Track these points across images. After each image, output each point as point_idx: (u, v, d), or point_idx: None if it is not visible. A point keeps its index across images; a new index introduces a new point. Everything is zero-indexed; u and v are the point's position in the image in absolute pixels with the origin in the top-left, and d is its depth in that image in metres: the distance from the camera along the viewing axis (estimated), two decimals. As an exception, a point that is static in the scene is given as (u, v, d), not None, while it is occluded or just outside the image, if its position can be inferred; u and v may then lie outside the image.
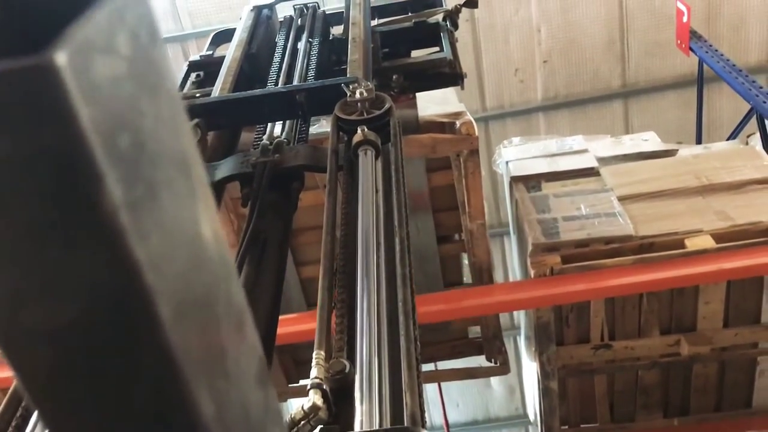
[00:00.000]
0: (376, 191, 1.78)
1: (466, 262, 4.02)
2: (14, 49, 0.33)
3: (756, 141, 4.85)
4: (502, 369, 4.12)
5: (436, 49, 3.21)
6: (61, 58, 0.32)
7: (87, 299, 0.36)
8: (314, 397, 1.21)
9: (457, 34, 3.56)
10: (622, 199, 3.77)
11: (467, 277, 4.07)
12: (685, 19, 5.40)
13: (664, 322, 3.74)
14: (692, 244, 3.40)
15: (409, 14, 3.59)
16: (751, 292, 3.65)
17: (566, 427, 4.13)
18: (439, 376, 4.78)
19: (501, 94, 7.55)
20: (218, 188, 2.19)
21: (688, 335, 3.72)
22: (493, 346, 4.06)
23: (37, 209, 0.34)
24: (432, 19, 3.42)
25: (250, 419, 0.49)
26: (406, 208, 1.75)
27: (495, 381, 9.02)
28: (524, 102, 7.58)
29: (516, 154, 4.39)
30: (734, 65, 4.98)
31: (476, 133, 3.26)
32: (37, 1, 0.35)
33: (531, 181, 4.06)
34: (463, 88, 3.12)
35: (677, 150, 4.20)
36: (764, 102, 4.49)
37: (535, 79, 7.50)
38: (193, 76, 3.23)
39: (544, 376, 3.79)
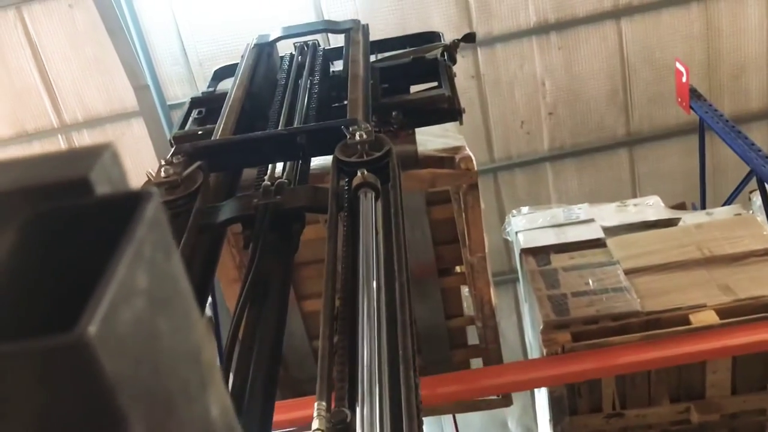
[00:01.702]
0: (376, 233, 1.80)
1: (466, 293, 4.07)
2: (48, 323, 0.36)
3: (757, 197, 5.00)
4: (505, 402, 4.14)
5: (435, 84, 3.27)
6: (91, 332, 0.35)
7: None
8: None
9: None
10: (628, 272, 3.92)
11: (469, 309, 4.13)
12: (684, 79, 5.59)
13: (674, 390, 3.87)
14: (697, 319, 3.55)
15: (408, 49, 3.64)
16: (756, 361, 3.78)
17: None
18: (440, 409, 4.73)
19: (508, 146, 7.74)
20: (220, 230, 2.22)
21: (697, 403, 3.85)
22: None
23: None
24: (430, 55, 3.48)
25: None
26: (406, 250, 1.78)
27: (512, 423, 9.09)
28: (531, 152, 7.76)
29: (525, 224, 4.56)
30: (734, 126, 5.15)
31: (475, 168, 3.25)
32: (68, 247, 0.39)
33: (540, 254, 4.22)
34: (461, 123, 3.14)
35: (680, 219, 4.36)
36: (763, 166, 4.65)
37: (542, 131, 7.69)
38: (194, 112, 3.25)
39: (559, 445, 3.92)
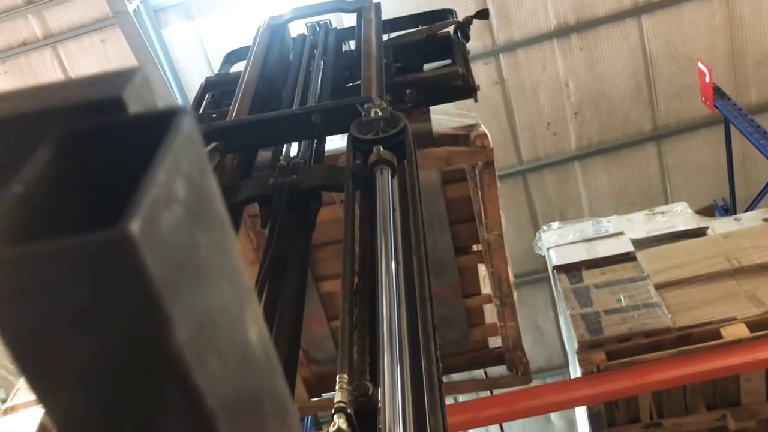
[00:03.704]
0: (393, 210, 1.78)
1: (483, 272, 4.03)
2: (92, 221, 0.36)
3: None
4: (524, 379, 4.14)
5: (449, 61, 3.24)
6: (134, 229, 0.35)
7: (160, 416, 0.40)
8: (339, 422, 1.22)
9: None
10: (658, 286, 4.04)
11: (486, 288, 4.10)
12: (707, 79, 5.64)
13: (709, 398, 3.99)
14: (727, 333, 3.66)
15: (420, 27, 3.61)
16: (789, 366, 3.88)
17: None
18: (459, 388, 4.84)
19: (536, 148, 7.85)
20: (237, 210, 2.20)
21: (733, 410, 3.97)
22: (514, 356, 4.08)
23: (117, 353, 0.38)
24: (443, 32, 3.45)
25: None
26: (423, 226, 1.77)
27: (555, 416, 9.22)
28: (559, 153, 7.85)
29: (555, 240, 4.70)
30: (759, 126, 5.20)
31: (491, 145, 3.21)
32: (102, 165, 0.38)
33: (572, 271, 4.36)
34: (476, 100, 3.11)
35: (707, 228, 4.45)
36: (790, 167, 4.70)
37: (568, 131, 7.77)
38: (208, 96, 3.24)
39: (601, 457, 4.07)
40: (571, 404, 3.99)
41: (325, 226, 2.46)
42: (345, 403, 1.25)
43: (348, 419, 1.22)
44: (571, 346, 4.04)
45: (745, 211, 5.29)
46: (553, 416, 9.22)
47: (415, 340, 1.38)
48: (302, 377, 4.18)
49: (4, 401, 4.33)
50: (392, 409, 1.20)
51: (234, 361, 0.44)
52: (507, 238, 3.54)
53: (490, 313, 4.12)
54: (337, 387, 1.29)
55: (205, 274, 0.42)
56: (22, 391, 4.25)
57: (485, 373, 4.21)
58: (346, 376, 1.33)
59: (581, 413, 4.31)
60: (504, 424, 9.38)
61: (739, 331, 3.67)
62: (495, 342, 4.22)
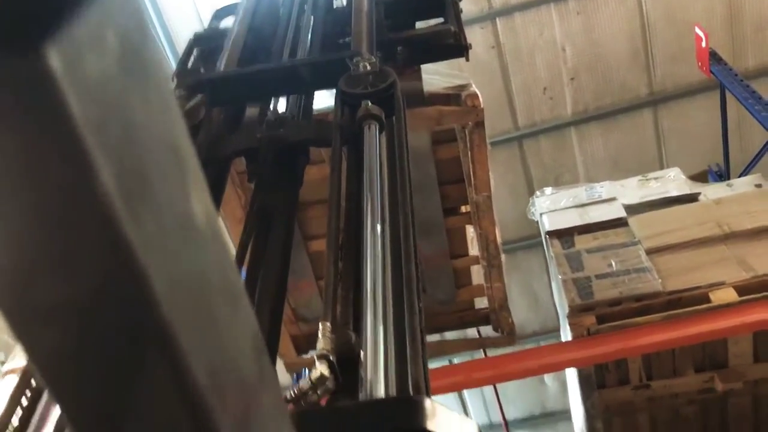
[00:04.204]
0: (381, 166, 1.78)
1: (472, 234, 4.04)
2: (6, 47, 0.34)
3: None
4: (509, 339, 4.17)
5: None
6: (53, 56, 0.34)
7: (87, 278, 0.39)
8: (321, 368, 1.23)
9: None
10: (649, 251, 4.08)
11: (474, 249, 4.12)
12: (704, 44, 5.61)
13: (698, 361, 4.06)
14: (716, 297, 3.71)
15: None
16: (777, 329, 3.94)
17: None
18: (446, 347, 4.89)
19: (532, 113, 7.83)
20: (224, 164, 2.18)
21: (721, 372, 4.04)
22: (500, 317, 4.09)
23: (40, 195, 0.37)
24: None
25: (245, 387, 0.50)
26: (410, 182, 1.77)
27: (549, 378, 9.36)
28: (555, 118, 7.84)
29: (549, 205, 4.73)
30: (754, 92, 5.19)
31: (482, 105, 3.18)
32: (27, 1, 0.36)
33: (565, 236, 4.39)
34: (467, 59, 3.07)
35: (699, 193, 4.48)
36: (784, 133, 4.72)
37: (564, 96, 7.75)
38: (196, 50, 3.21)
39: (589, 417, 4.16)
40: (561, 366, 4.07)
41: (314, 185, 2.44)
42: (327, 350, 1.27)
43: (330, 366, 1.23)
44: (563, 310, 4.09)
45: (738, 177, 5.32)
46: (547, 378, 9.36)
47: (399, 292, 1.38)
48: (291, 335, 4.20)
49: (2, 363, 4.39)
50: (374, 357, 1.20)
51: (173, 229, 0.43)
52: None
53: (477, 274, 4.14)
54: (320, 334, 1.31)
55: (139, 135, 0.41)
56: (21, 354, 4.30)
57: (479, 333, 4.26)
58: (329, 324, 1.34)
59: (572, 375, 4.39)
60: (499, 388, 9.58)
61: (728, 295, 3.71)
62: (482, 303, 4.25)
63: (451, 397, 9.13)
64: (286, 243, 1.89)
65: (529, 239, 8.18)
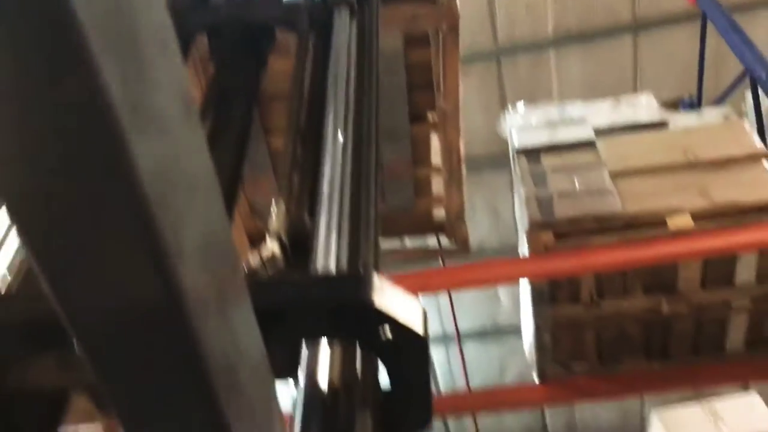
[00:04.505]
0: (349, 52, 1.74)
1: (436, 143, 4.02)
2: None
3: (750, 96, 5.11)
4: (463, 249, 4.21)
5: None
6: None
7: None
8: (272, 246, 1.23)
9: None
10: (614, 174, 4.12)
11: (436, 159, 4.09)
12: (690, -30, 5.51)
13: (648, 283, 4.18)
14: (673, 223, 3.79)
15: None
16: (727, 258, 4.06)
17: (558, 365, 4.67)
18: (403, 253, 4.84)
19: (512, 30, 7.69)
20: (185, 41, 2.12)
21: (668, 296, 4.17)
22: (455, 228, 4.13)
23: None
24: None
25: (179, 169, 0.48)
26: (378, 75, 1.74)
27: (503, 295, 9.60)
28: (535, 37, 7.72)
29: (520, 122, 4.71)
30: (735, 24, 5.15)
31: (458, 7, 3.12)
32: None
33: (532, 154, 4.40)
34: None
35: (669, 121, 4.50)
36: (756, 65, 4.72)
37: (546, 14, 7.60)
38: None
39: (539, 330, 4.29)
40: (516, 278, 4.16)
41: (280, 78, 2.35)
42: (279, 230, 1.26)
43: (281, 245, 1.23)
44: (523, 226, 4.15)
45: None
46: (502, 295, 9.61)
47: (356, 179, 1.37)
48: (246, 230, 4.10)
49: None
50: (326, 239, 1.20)
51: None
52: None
53: (438, 185, 4.12)
54: (273, 214, 1.30)
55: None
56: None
57: (438, 242, 4.28)
58: (283, 204, 1.34)
59: (526, 290, 4.50)
60: (455, 302, 9.81)
61: (684, 221, 3.79)
62: (439, 213, 4.24)
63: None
64: (245, 126, 1.84)
65: (498, 158, 8.20)
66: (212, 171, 0.54)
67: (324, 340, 1.05)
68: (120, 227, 0.44)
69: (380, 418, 1.02)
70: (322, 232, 1.22)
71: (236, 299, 0.56)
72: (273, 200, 1.37)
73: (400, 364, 0.97)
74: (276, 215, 1.31)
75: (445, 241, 4.24)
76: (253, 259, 1.20)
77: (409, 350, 0.95)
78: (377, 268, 1.20)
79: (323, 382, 1.02)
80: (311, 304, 0.97)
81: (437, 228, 4.25)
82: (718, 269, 4.08)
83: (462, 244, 4.09)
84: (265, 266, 1.20)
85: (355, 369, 1.04)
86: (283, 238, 1.24)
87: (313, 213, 1.30)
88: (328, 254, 1.17)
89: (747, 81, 5.21)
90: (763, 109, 4.85)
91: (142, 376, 0.51)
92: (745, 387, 5.97)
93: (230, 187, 1.66)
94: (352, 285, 1.02)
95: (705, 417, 4.52)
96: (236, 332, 0.56)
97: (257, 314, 0.65)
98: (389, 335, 0.94)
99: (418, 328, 0.95)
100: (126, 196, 0.43)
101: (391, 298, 0.95)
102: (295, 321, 0.97)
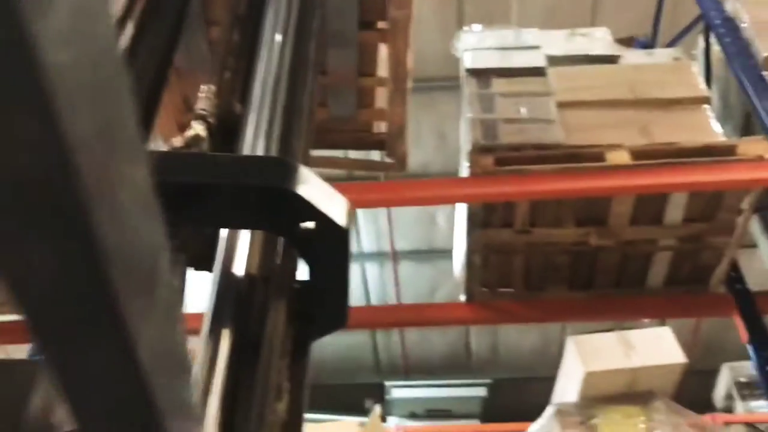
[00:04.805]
0: None
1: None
2: None
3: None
4: (400, 167, 4.15)
5: None
6: None
7: None
8: (198, 128, 1.18)
9: None
10: (561, 105, 4.13)
11: (382, 71, 3.92)
12: None
13: (580, 215, 4.27)
14: (611, 158, 3.85)
15: None
16: (658, 197, 4.17)
17: (485, 289, 4.79)
18: (338, 163, 4.82)
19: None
20: None
21: (598, 228, 4.28)
22: (395, 143, 4.07)
23: None
24: None
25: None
26: None
27: (441, 218, 9.71)
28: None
29: (474, 43, 4.64)
30: (698, -35, 5.11)
31: None
32: None
33: (483, 76, 4.36)
34: None
35: (620, 57, 4.50)
36: (712, 9, 4.72)
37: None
38: None
39: (470, 252, 4.37)
40: (453, 200, 4.19)
41: None
42: (207, 112, 1.20)
43: (208, 127, 1.17)
44: (465, 148, 4.15)
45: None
46: (439, 218, 9.73)
47: (294, 71, 1.30)
48: (178, 123, 3.79)
49: None
50: (256, 126, 1.15)
51: None
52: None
53: (382, 98, 3.98)
54: (202, 95, 1.23)
55: None
56: None
57: (381, 156, 4.22)
58: (213, 87, 1.26)
59: (461, 213, 4.54)
60: (393, 223, 9.88)
61: (622, 157, 3.85)
62: (380, 127, 4.13)
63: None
64: (182, 8, 1.64)
65: (450, 81, 8.12)
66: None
67: (243, 232, 1.02)
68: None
69: (295, 311, 1.01)
70: (252, 119, 1.16)
71: (130, 157, 0.49)
72: (203, 86, 1.28)
73: (319, 256, 0.94)
74: (205, 97, 1.23)
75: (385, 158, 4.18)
76: (176, 141, 1.13)
77: (329, 242, 0.93)
78: (306, 162, 1.15)
79: (239, 273, 1.00)
80: (229, 184, 0.92)
81: (377, 143, 4.17)
82: (649, 207, 4.20)
83: (400, 161, 4.02)
84: (189, 148, 1.13)
85: (273, 260, 1.01)
86: (210, 120, 1.18)
87: (245, 100, 1.24)
88: (256, 141, 1.12)
89: (702, 26, 5.23)
90: (712, 54, 4.89)
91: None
92: (662, 323, 6.27)
93: (159, 70, 1.52)
94: (276, 169, 0.97)
95: (617, 345, 4.74)
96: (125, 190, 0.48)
97: (167, 188, 0.60)
98: (311, 226, 0.91)
99: (340, 220, 0.92)
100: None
101: (315, 189, 0.91)
102: (211, 204, 0.92)
